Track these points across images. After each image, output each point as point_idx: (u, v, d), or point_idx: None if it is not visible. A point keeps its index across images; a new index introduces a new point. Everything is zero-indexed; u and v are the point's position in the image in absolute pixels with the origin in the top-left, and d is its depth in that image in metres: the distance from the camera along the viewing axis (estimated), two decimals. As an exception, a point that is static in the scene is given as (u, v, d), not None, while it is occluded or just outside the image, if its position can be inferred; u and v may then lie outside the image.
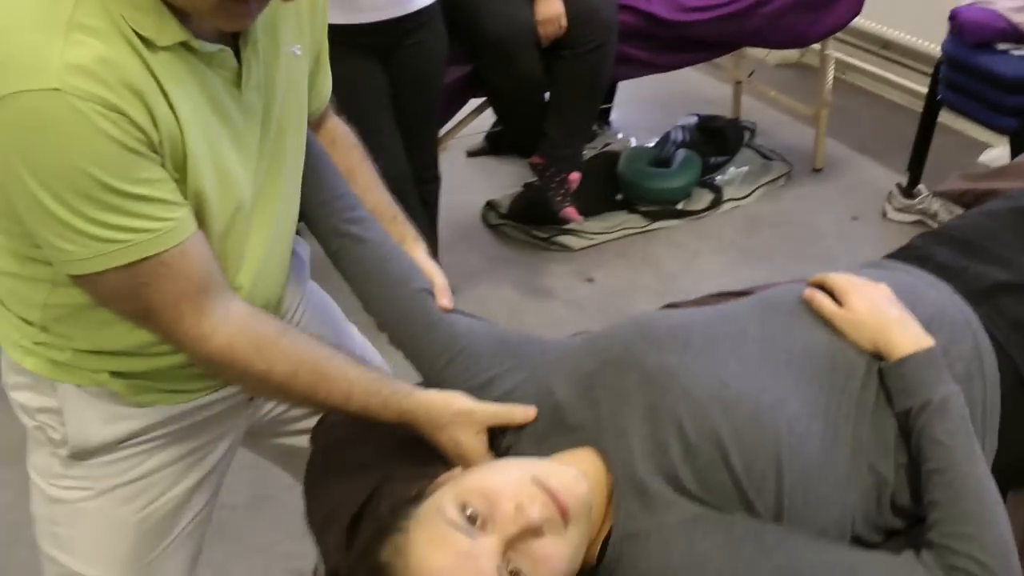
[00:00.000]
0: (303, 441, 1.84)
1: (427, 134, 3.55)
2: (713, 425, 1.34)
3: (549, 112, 3.74)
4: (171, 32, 1.27)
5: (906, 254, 1.79)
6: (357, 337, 2.02)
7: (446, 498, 1.29)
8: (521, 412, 1.50)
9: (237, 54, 1.40)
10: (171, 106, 1.28)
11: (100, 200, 1.25)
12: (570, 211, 3.84)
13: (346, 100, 3.35)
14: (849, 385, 1.44)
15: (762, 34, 4.13)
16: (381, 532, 1.30)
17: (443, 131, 3.93)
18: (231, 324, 1.43)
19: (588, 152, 4.55)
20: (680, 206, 4.39)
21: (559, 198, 3.82)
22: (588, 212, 4.18)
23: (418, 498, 1.33)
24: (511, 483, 1.29)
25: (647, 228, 4.32)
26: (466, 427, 1.49)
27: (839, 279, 1.54)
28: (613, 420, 1.41)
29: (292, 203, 1.64)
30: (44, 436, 1.64)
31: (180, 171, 1.34)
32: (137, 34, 1.24)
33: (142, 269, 1.32)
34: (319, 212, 1.70)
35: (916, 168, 4.10)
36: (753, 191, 4.50)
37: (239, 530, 2.89)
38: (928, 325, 1.46)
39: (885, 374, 1.43)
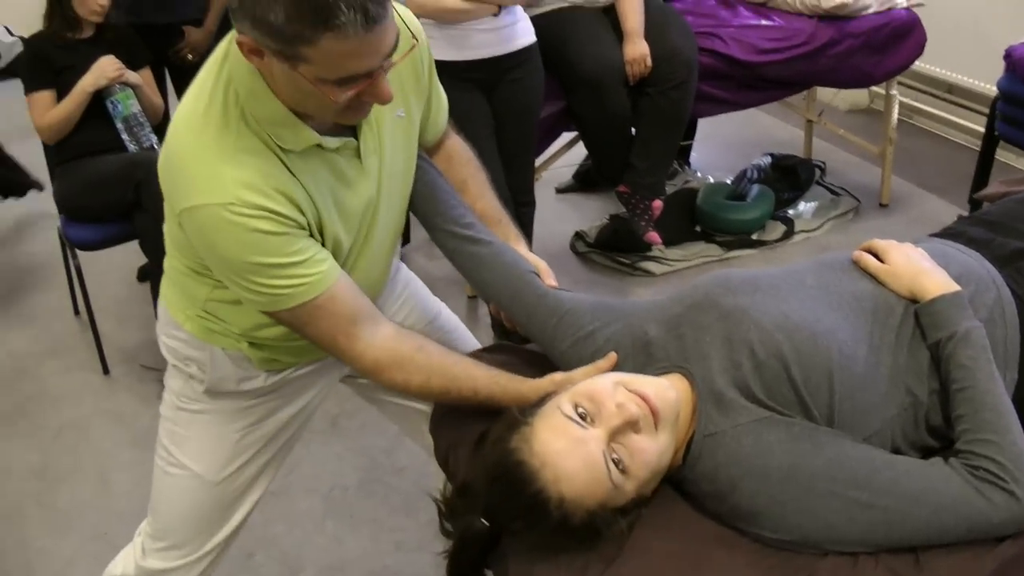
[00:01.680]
0: None
1: (525, 161, 3.82)
2: (778, 345, 1.63)
3: (635, 144, 4.00)
4: (305, 138, 1.70)
5: (944, 232, 2.08)
6: (444, 309, 2.40)
7: (563, 399, 1.62)
8: (606, 362, 1.81)
9: (355, 130, 1.81)
10: (308, 194, 1.72)
11: (264, 272, 1.69)
12: (653, 235, 4.10)
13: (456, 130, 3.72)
14: (889, 321, 1.72)
15: (830, 74, 4.37)
16: (511, 426, 1.62)
17: (538, 161, 4.21)
18: (377, 347, 1.81)
19: (669, 188, 4.79)
20: (754, 237, 4.60)
21: (643, 223, 4.09)
22: (669, 242, 4.46)
23: (540, 404, 1.66)
24: (612, 387, 1.61)
25: (723, 257, 4.52)
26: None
27: (882, 242, 1.85)
28: (696, 348, 1.71)
29: (396, 226, 2.04)
30: (184, 372, 2.06)
31: (320, 230, 1.76)
32: (279, 146, 1.68)
33: (302, 311, 1.75)
34: (436, 222, 2.04)
35: (976, 200, 4.22)
36: (823, 224, 4.69)
37: (351, 507, 3.18)
38: (957, 279, 1.74)
39: (919, 313, 1.71)
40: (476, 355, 2.02)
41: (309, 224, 1.72)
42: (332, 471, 3.32)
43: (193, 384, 2.05)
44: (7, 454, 3.52)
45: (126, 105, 3.83)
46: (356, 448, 3.41)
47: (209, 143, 1.65)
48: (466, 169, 2.18)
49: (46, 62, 3.82)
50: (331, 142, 1.73)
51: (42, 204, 4.13)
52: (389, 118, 1.88)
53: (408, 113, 1.95)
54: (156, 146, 3.90)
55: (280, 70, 1.57)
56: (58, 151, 3.91)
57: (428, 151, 2.14)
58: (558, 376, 1.81)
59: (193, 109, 1.69)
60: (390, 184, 1.91)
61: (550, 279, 2.01)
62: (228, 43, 1.70)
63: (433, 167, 2.10)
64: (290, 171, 1.68)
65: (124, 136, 3.86)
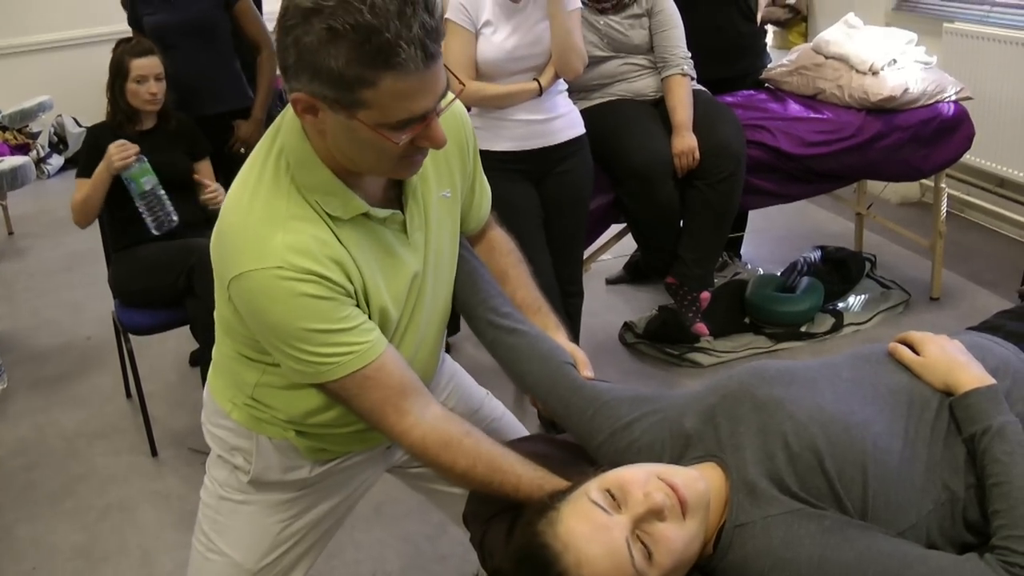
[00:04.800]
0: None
1: (574, 252, 3.85)
2: (812, 437, 1.63)
3: (683, 236, 4.02)
4: (353, 207, 1.74)
5: (982, 325, 2.08)
6: (489, 398, 2.41)
7: (591, 486, 1.63)
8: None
9: (402, 207, 1.84)
10: (356, 263, 1.74)
11: (313, 339, 1.69)
12: (700, 327, 4.09)
13: (502, 219, 3.77)
14: (925, 415, 1.72)
15: (878, 167, 4.36)
16: (540, 511, 1.64)
17: (588, 252, 4.21)
18: (426, 424, 1.81)
19: (719, 280, 4.81)
20: (803, 329, 4.57)
21: (691, 314, 4.08)
22: (717, 333, 4.47)
23: (570, 490, 1.67)
24: (642, 477, 1.61)
25: (772, 348, 4.49)
26: None
27: (918, 334, 1.85)
28: (731, 439, 1.72)
29: (443, 307, 2.05)
30: (229, 462, 2.08)
31: (365, 300, 1.77)
32: (328, 214, 1.72)
33: (351, 382, 1.75)
34: (476, 312, 2.06)
35: (1023, 294, 4.12)
36: (873, 317, 4.65)
37: (394, 597, 3.18)
38: (994, 372, 1.74)
39: (953, 406, 1.71)
40: (512, 445, 2.03)
41: (356, 293, 1.73)
42: (375, 557, 3.32)
43: (238, 474, 2.06)
44: (54, 533, 3.56)
45: (139, 183, 3.82)
46: (399, 535, 3.41)
47: (259, 210, 1.68)
48: (507, 259, 2.19)
49: (101, 152, 3.90)
50: (379, 212, 1.76)
51: (98, 289, 4.20)
52: (436, 197, 1.91)
53: (454, 194, 1.98)
54: (174, 218, 3.90)
55: (336, 124, 1.60)
56: (116, 238, 4.02)
57: (471, 240, 2.17)
58: None
59: (244, 181, 1.74)
60: (436, 262, 1.93)
61: (587, 370, 2.01)
62: (281, 117, 1.75)
63: (475, 256, 2.13)
64: (339, 240, 1.70)
65: (143, 213, 3.86)
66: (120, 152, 3.80)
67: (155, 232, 3.90)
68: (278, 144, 1.74)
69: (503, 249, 2.21)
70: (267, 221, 1.67)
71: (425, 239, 1.88)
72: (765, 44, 5.05)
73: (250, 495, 2.07)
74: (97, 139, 3.97)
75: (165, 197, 3.91)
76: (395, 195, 1.84)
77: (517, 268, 2.20)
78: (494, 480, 1.83)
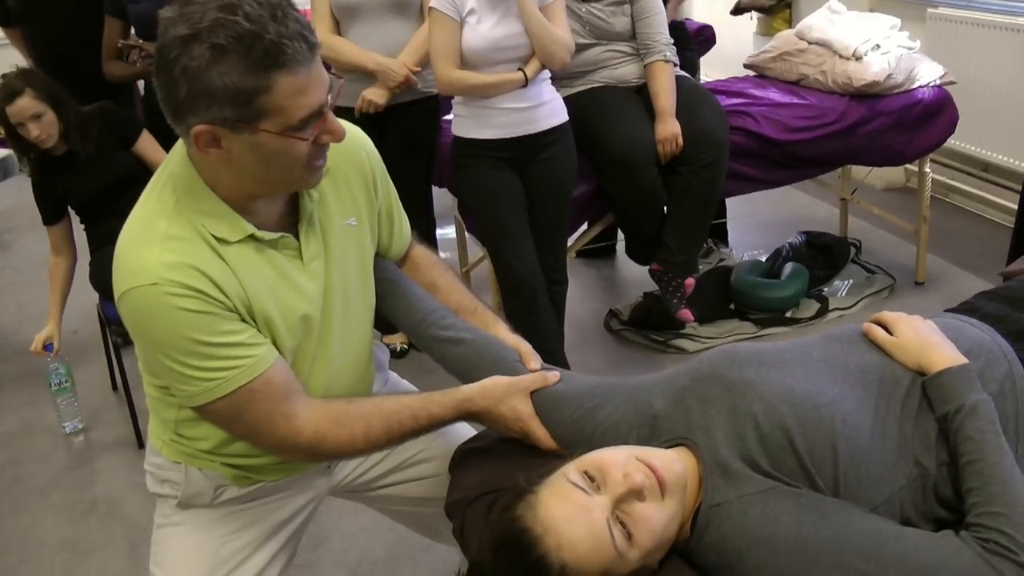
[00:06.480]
0: (391, 491, 2.28)
1: (557, 240, 3.84)
2: (782, 417, 1.64)
3: (667, 223, 4.02)
4: (240, 229, 1.76)
5: (960, 307, 2.09)
6: None
7: (570, 467, 1.63)
8: (553, 375, 1.94)
9: (299, 236, 1.87)
10: (240, 281, 1.75)
11: (198, 352, 1.71)
12: (685, 313, 4.10)
13: (485, 206, 3.74)
14: (895, 392, 1.73)
15: (861, 152, 4.38)
16: (518, 495, 1.62)
17: (571, 239, 4.21)
18: (314, 416, 1.83)
19: (704, 266, 4.81)
20: (788, 314, 4.56)
21: (676, 300, 4.09)
22: (703, 319, 4.46)
23: (547, 473, 1.66)
24: (621, 458, 1.61)
25: (757, 334, 4.49)
26: (516, 395, 1.90)
27: (891, 315, 1.86)
28: (701, 421, 1.72)
29: (359, 340, 2.06)
30: (160, 495, 2.10)
31: (251, 316, 1.78)
32: (213, 236, 1.74)
33: (238, 397, 1.76)
34: (419, 330, 2.09)
35: (1006, 277, 4.17)
36: (858, 302, 4.65)
37: (379, 583, 3.17)
38: (967, 353, 1.74)
39: (926, 385, 1.71)
40: (467, 443, 2.07)
41: (237, 308, 1.75)
42: (361, 545, 3.33)
43: (168, 501, 2.08)
44: (40, 526, 3.57)
45: (53, 386, 4.07)
46: (385, 523, 3.38)
47: (141, 232, 1.72)
48: (433, 271, 2.23)
49: (48, 195, 3.99)
50: (266, 235, 1.79)
51: (83, 283, 4.19)
52: (338, 225, 1.94)
53: (360, 222, 2.00)
54: (77, 423, 4.17)
55: (242, 146, 1.64)
56: (95, 236, 4.06)
57: (396, 263, 2.20)
58: (505, 379, 1.93)
59: (135, 211, 1.79)
60: (344, 293, 1.96)
61: (532, 362, 2.02)
62: (171, 152, 1.79)
63: (402, 277, 2.16)
64: (222, 259, 1.73)
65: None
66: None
67: (60, 424, 4.15)
68: (166, 173, 1.78)
69: (427, 263, 2.25)
70: (144, 241, 1.70)
71: (326, 268, 1.90)
72: (686, 35, 4.94)
73: (182, 515, 2.07)
74: (40, 189, 4.02)
75: (69, 402, 4.14)
76: (292, 222, 1.87)
77: (445, 276, 2.24)
78: (392, 424, 1.87)
